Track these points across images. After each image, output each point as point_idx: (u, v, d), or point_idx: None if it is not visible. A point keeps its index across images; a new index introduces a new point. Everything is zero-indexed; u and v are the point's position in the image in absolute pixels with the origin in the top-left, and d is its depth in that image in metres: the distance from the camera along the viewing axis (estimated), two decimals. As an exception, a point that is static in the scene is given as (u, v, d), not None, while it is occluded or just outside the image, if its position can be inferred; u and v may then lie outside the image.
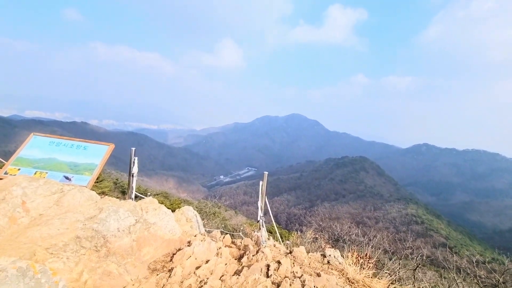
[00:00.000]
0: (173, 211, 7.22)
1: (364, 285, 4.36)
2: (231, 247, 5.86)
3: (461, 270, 13.17)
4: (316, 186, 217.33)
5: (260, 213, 6.34)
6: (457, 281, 9.44)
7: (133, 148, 6.52)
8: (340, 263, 5.04)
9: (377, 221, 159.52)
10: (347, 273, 4.60)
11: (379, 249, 14.43)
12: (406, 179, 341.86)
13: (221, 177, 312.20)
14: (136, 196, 7.10)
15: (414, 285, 6.55)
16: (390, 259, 14.56)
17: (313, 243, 10.81)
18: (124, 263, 3.29)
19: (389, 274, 6.07)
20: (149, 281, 3.23)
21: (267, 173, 6.55)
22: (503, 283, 11.67)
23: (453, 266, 11.07)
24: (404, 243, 14.86)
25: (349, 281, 4.46)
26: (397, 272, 7.87)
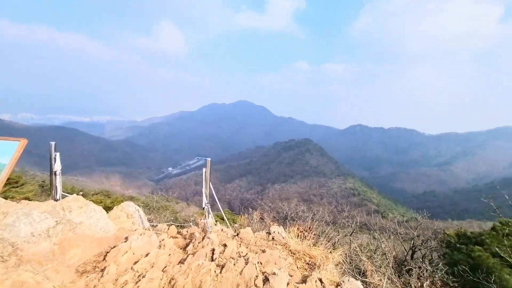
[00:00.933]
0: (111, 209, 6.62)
1: (304, 254, 4.74)
2: (176, 237, 5.68)
3: (387, 230, 15.46)
4: (266, 170, 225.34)
5: (205, 200, 6.26)
6: (382, 240, 11.10)
7: (53, 143, 5.65)
8: (283, 238, 5.36)
9: (321, 197, 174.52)
10: (289, 245, 4.93)
11: (322, 221, 15.82)
12: (344, 157, 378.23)
13: (170, 169, 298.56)
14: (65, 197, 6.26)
15: (350, 247, 7.54)
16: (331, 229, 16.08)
17: (260, 223, 11.26)
18: (43, 270, 2.88)
19: (327, 241, 6.76)
20: (76, 284, 2.91)
21: (209, 159, 6.45)
22: (417, 236, 14.15)
23: (379, 228, 12.93)
24: (342, 214, 16.65)
25: (291, 253, 4.78)
26: (334, 239, 8.79)
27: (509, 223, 11.63)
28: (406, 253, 13.71)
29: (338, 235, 11.78)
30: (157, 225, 7.15)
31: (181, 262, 3.96)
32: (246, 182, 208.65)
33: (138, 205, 8.09)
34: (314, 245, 5.61)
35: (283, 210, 18.80)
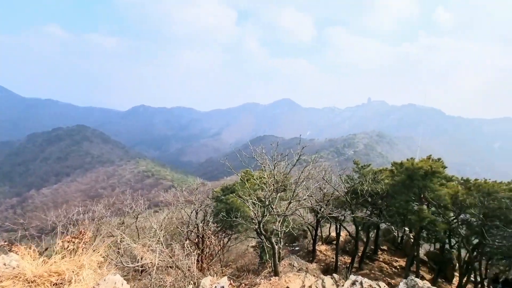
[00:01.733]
0: None
1: (50, 275, 3.80)
2: None
3: (174, 203, 16.84)
4: (23, 173, 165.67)
5: None
6: (167, 213, 12.07)
7: None
8: (16, 267, 3.96)
9: (113, 188, 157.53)
10: (25, 274, 3.73)
11: (106, 217, 14.10)
12: (133, 140, 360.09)
13: None
14: None
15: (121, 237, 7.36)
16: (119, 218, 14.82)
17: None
18: None
19: (101, 240, 6.03)
20: None
21: None
22: (199, 201, 16.51)
23: (169, 203, 13.78)
24: (126, 201, 15.82)
25: (28, 282, 3.65)
26: (104, 233, 8.09)
27: (248, 173, 16.62)
28: (189, 217, 15.74)
29: (119, 223, 11.12)
30: None
31: None
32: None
33: None
34: (84, 250, 4.69)
35: (49, 219, 14.77)
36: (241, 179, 17.06)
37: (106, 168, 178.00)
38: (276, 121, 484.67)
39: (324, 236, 26.06)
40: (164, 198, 17.26)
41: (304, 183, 14.14)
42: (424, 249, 26.31)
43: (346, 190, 17.28)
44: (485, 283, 19.91)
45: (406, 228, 24.00)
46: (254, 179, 14.09)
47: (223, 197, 13.87)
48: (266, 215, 9.38)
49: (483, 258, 19.30)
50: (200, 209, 16.51)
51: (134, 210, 12.71)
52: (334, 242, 22.44)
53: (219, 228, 11.27)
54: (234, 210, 11.32)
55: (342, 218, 18.45)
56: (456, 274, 20.82)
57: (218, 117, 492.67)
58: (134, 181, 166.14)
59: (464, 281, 18.19)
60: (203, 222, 14.33)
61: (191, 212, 16.01)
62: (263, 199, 9.35)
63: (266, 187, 9.43)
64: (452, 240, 21.23)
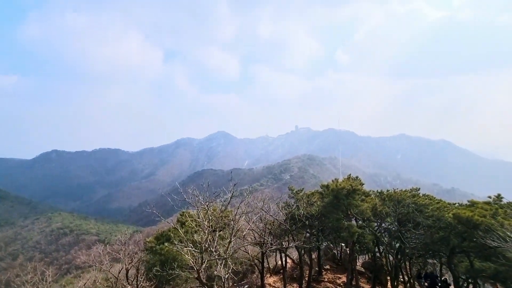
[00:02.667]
0: None
1: None
2: None
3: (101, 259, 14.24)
4: None
5: None
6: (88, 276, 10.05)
7: None
8: None
9: (14, 256, 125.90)
10: None
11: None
12: (43, 193, 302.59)
13: None
14: None
15: None
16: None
17: None
18: None
19: None
20: None
21: None
22: (127, 254, 14.40)
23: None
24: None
25: None
26: None
27: (187, 215, 15.60)
28: (116, 278, 13.49)
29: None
30: None
31: None
32: None
33: None
34: None
35: None
36: (178, 221, 15.87)
37: (3, 233, 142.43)
38: (213, 154, 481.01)
39: (272, 267, 25.74)
40: (85, 259, 14.62)
41: (244, 217, 14.02)
42: (362, 260, 28.57)
43: (284, 218, 17.82)
44: (411, 281, 22.47)
45: (343, 244, 25.80)
46: (190, 222, 13.29)
47: (157, 246, 12.47)
48: (205, 261, 8.76)
49: (406, 259, 22.02)
50: (132, 266, 14.43)
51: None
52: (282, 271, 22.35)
53: (153, 286, 9.85)
54: (170, 260, 10.20)
55: (286, 246, 18.72)
56: (389, 278, 22.98)
57: (151, 156, 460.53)
58: (46, 242, 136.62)
59: (395, 283, 20.17)
60: (134, 280, 12.46)
61: (119, 272, 13.81)
62: (199, 244, 8.77)
63: (202, 229, 8.94)
64: (380, 248, 23.72)
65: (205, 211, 9.06)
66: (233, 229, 10.23)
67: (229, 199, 9.02)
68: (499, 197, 16.72)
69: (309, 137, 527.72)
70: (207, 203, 8.78)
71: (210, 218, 8.93)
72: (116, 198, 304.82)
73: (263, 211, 17.42)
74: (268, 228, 18.16)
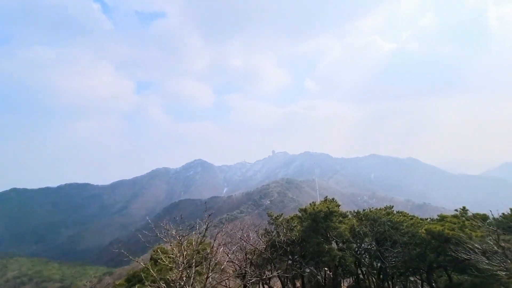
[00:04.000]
0: None
1: None
2: None
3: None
4: None
5: None
6: None
7: None
8: None
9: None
10: None
11: None
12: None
13: None
14: None
15: None
16: None
17: None
18: None
19: None
20: None
21: None
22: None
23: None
24: None
25: None
26: None
27: (161, 251, 14.59)
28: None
29: None
30: None
31: None
32: None
33: None
34: None
35: None
36: (151, 259, 14.81)
37: None
38: (191, 183, 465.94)
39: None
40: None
41: (222, 248, 13.40)
42: (347, 283, 28.03)
43: (265, 246, 17.29)
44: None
45: (326, 269, 25.34)
46: (164, 259, 12.42)
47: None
48: (180, 302, 8.07)
49: (388, 279, 21.98)
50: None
51: None
52: (265, 305, 21.14)
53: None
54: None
55: (268, 276, 17.98)
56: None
57: (123, 189, 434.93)
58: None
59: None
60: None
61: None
62: (172, 283, 8.12)
63: (177, 266, 8.34)
64: (363, 269, 23.57)
65: (179, 246, 8.53)
66: (210, 263, 9.68)
67: (204, 231, 8.62)
68: (464, 209, 17.71)
69: (286, 161, 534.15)
70: (180, 237, 8.30)
71: (185, 253, 8.40)
72: (84, 238, 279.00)
73: (242, 241, 16.81)
74: (248, 258, 17.45)
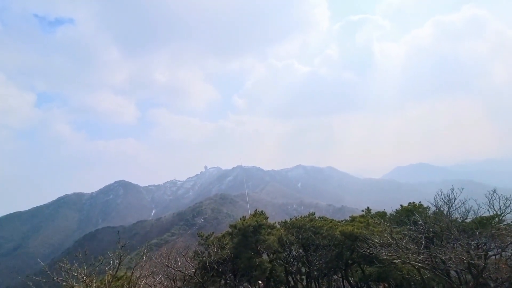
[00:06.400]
0: None
1: None
2: None
3: None
4: None
5: None
6: None
7: None
8: None
9: None
10: None
11: None
12: None
13: None
14: None
15: None
16: None
17: None
18: None
19: None
20: None
21: None
22: None
23: None
24: None
25: None
26: None
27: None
28: None
29: None
30: None
31: None
32: None
33: None
34: None
35: None
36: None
37: None
38: (111, 209, 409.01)
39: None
40: None
41: (144, 281, 12.04)
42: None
43: (194, 269, 16.37)
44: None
45: (260, 282, 25.63)
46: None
47: None
48: None
49: (313, 281, 23.69)
50: None
51: None
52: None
53: None
54: None
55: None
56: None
57: (18, 224, 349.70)
58: None
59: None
60: None
61: None
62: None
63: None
64: (293, 276, 24.82)
65: (86, 288, 7.20)
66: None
67: (117, 266, 7.56)
68: (368, 209, 20.87)
69: (219, 176, 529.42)
70: (86, 278, 7.03)
71: (94, 295, 7.13)
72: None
73: (169, 268, 15.53)
74: (178, 286, 16.19)
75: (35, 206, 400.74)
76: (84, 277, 6.76)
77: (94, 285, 7.33)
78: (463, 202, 13.83)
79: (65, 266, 7.22)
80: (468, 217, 14.84)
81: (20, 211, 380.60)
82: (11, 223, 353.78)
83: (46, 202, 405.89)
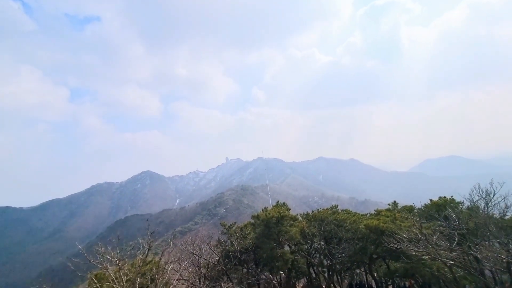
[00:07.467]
0: None
1: None
2: None
3: None
4: None
5: None
6: None
7: None
8: None
9: None
10: None
11: None
12: None
13: None
14: None
15: None
16: None
17: None
18: None
19: None
20: None
21: None
22: None
23: None
24: None
25: None
26: None
27: (101, 278, 13.01)
28: None
29: None
30: None
31: None
32: None
33: None
34: None
35: None
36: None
37: None
38: (138, 197, 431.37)
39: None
40: None
41: (171, 266, 12.57)
42: (303, 284, 29.02)
43: (218, 257, 16.83)
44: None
45: (281, 272, 25.87)
46: (108, 283, 11.10)
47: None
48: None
49: (336, 274, 23.45)
50: None
51: None
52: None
53: None
54: None
55: (222, 288, 17.47)
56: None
57: (56, 210, 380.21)
58: None
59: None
60: None
61: None
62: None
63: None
64: (315, 268, 24.76)
65: (119, 271, 7.67)
66: (156, 284, 8.95)
67: (146, 252, 7.93)
68: (395, 203, 20.05)
69: (240, 168, 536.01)
70: (118, 261, 7.48)
71: (125, 278, 7.58)
72: (3, 272, 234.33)
73: (194, 255, 16.07)
74: (202, 273, 16.75)
75: (70, 193, 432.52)
76: (117, 260, 7.20)
77: (125, 268, 7.76)
78: (504, 197, 12.77)
79: (100, 249, 7.69)
80: (507, 214, 13.75)
81: (59, 198, 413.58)
82: (50, 209, 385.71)
83: (80, 190, 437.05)
